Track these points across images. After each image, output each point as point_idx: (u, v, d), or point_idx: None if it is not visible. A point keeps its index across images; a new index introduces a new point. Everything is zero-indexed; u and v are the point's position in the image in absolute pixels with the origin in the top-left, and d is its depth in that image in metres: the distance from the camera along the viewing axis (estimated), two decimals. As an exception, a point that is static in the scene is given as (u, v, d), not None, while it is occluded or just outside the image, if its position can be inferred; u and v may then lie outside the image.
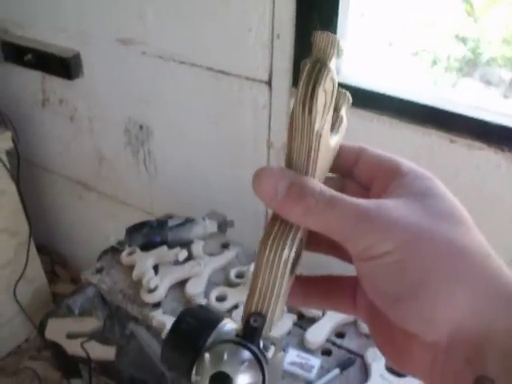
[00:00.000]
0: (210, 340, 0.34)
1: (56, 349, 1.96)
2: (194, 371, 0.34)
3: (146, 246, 1.30)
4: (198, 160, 1.66)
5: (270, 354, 0.34)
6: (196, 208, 1.51)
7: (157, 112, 1.68)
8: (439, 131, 1.20)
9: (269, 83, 1.39)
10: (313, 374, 1.16)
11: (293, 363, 1.19)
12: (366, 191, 0.36)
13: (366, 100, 1.28)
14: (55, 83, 1.89)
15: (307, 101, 0.29)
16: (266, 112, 1.43)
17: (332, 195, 0.31)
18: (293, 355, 1.20)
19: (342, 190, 0.36)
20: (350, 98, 0.37)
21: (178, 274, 1.27)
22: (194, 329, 0.35)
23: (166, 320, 1.18)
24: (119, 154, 1.87)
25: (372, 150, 0.37)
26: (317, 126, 0.30)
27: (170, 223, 1.32)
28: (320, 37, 0.30)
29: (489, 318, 0.28)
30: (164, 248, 1.30)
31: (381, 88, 1.26)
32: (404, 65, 1.49)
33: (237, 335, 0.34)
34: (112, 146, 1.89)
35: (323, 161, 0.33)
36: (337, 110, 0.35)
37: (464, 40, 1.44)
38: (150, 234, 1.30)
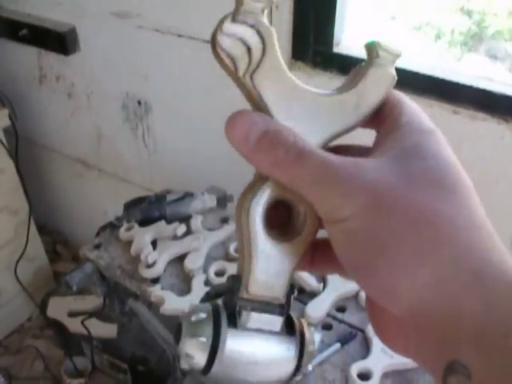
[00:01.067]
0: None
1: (58, 327, 1.97)
2: None
3: (145, 221, 1.29)
4: (198, 135, 1.64)
5: (248, 323, 0.32)
6: (196, 183, 1.48)
7: (155, 87, 1.66)
8: (441, 102, 1.18)
9: (268, 55, 1.36)
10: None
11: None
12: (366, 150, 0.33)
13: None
14: (52, 59, 1.87)
15: (213, 45, 0.30)
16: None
17: (303, 148, 0.29)
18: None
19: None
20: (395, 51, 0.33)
21: (176, 248, 1.25)
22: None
23: (164, 295, 1.17)
24: (118, 131, 1.85)
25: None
26: (240, 73, 0.30)
27: (169, 198, 1.30)
28: None
29: (458, 297, 0.25)
30: (162, 223, 1.28)
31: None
32: (406, 39, 1.46)
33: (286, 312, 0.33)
34: (110, 123, 1.87)
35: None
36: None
37: (469, 13, 1.41)
38: (149, 208, 1.28)
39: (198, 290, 1.17)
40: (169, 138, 1.74)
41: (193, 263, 1.22)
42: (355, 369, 1.04)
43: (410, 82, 1.21)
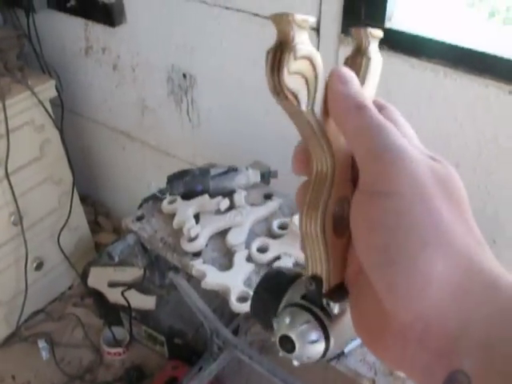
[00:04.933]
0: (286, 296, 0.37)
1: (98, 297, 2.00)
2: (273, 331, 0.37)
3: (188, 195, 1.28)
4: (242, 109, 1.62)
5: (335, 310, 0.34)
6: (239, 159, 1.47)
7: (200, 60, 1.64)
8: (497, 81, 1.14)
9: (317, 29, 1.33)
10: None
11: (334, 318, 1.16)
12: None
13: (418, 47, 1.21)
14: (98, 31, 1.87)
15: (278, 89, 0.30)
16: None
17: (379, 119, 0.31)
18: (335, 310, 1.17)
19: None
20: (378, 32, 0.35)
21: (219, 223, 1.24)
22: (277, 284, 0.38)
23: (205, 269, 1.16)
24: (162, 104, 1.85)
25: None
26: (303, 107, 0.31)
27: (213, 172, 1.29)
28: (276, 19, 0.29)
29: (470, 311, 0.26)
30: (205, 197, 1.27)
31: (435, 35, 1.19)
32: (459, 16, 1.40)
33: (302, 297, 0.36)
34: (155, 96, 1.86)
35: None
36: (361, 51, 0.35)
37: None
38: (192, 182, 1.27)
39: (240, 265, 1.16)
40: (213, 111, 1.73)
41: (235, 238, 1.21)
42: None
43: (465, 59, 1.17)
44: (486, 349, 0.25)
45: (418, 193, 0.28)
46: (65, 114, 1.98)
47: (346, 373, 1.09)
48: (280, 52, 0.29)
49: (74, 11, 1.83)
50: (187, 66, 1.69)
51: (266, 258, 1.17)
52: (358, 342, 1.11)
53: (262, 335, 1.82)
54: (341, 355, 1.09)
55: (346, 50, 1.29)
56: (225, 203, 1.26)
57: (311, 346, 0.35)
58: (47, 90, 1.88)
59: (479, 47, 1.15)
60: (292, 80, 0.30)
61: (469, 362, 0.25)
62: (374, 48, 0.35)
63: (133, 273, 1.94)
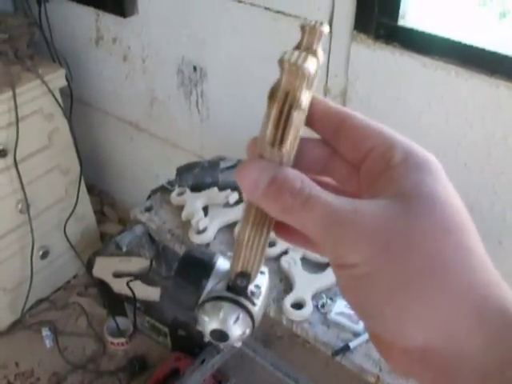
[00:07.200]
0: (208, 284, 0.39)
1: (103, 286, 2.01)
2: (197, 321, 0.39)
3: (197, 187, 1.28)
4: (252, 103, 1.62)
5: (259, 299, 0.38)
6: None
7: (211, 53, 1.64)
8: (508, 82, 1.14)
9: (329, 25, 1.33)
10: (360, 326, 1.14)
11: (340, 313, 1.17)
12: (352, 168, 0.32)
13: (430, 46, 1.21)
14: (109, 21, 1.87)
15: (278, 140, 0.29)
16: (324, 55, 1.37)
17: (310, 195, 0.29)
18: (341, 306, 1.18)
19: (325, 164, 0.33)
20: (324, 29, 0.31)
21: (227, 216, 1.25)
22: (197, 269, 0.40)
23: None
24: (171, 96, 1.85)
25: (358, 120, 0.32)
26: (285, 157, 0.30)
27: (222, 165, 1.29)
28: (288, 67, 0.28)
29: (463, 338, 0.27)
30: (214, 190, 1.28)
31: (446, 33, 1.19)
32: (470, 15, 1.40)
33: (228, 288, 0.38)
34: (164, 87, 1.86)
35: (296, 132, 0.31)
36: (311, 52, 0.31)
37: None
38: (201, 174, 1.28)
39: (248, 258, 1.16)
40: (222, 104, 1.73)
41: (243, 232, 1.21)
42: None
43: (476, 59, 1.17)
44: (479, 371, 0.27)
45: (370, 256, 0.28)
46: (74, 103, 1.99)
47: (351, 368, 1.09)
48: (288, 108, 0.29)
49: (86, 1, 1.84)
50: (198, 59, 1.69)
51: (273, 251, 1.18)
52: (363, 337, 1.12)
53: (266, 329, 1.83)
54: (346, 350, 1.10)
55: (359, 47, 1.30)
56: (234, 196, 1.26)
57: (242, 335, 0.39)
58: (57, 78, 1.89)
59: (491, 47, 1.15)
60: (293, 133, 0.29)
61: None
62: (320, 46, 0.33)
63: (138, 263, 1.95)
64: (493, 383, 0.26)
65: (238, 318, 0.38)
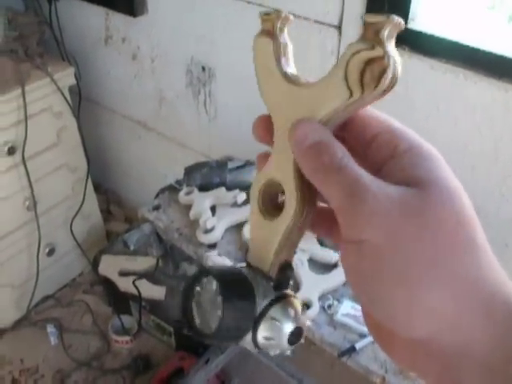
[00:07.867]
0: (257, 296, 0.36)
1: (108, 285, 2.01)
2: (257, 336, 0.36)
3: (205, 187, 1.29)
4: (260, 103, 1.62)
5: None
6: (255, 153, 1.47)
7: (220, 53, 1.65)
8: (519, 86, 1.14)
9: (339, 28, 1.33)
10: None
11: (346, 315, 1.17)
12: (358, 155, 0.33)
13: (438, 49, 1.21)
14: (119, 20, 1.88)
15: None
16: (333, 58, 1.37)
17: (346, 165, 0.30)
18: (347, 307, 1.18)
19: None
20: (289, 17, 0.36)
21: (235, 216, 1.25)
22: (241, 289, 0.36)
23: (220, 261, 1.17)
24: (180, 95, 1.86)
25: (364, 109, 0.33)
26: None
27: (230, 165, 1.30)
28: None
29: (472, 330, 0.28)
30: (222, 189, 1.28)
31: (455, 36, 1.19)
32: (479, 19, 1.40)
33: (275, 287, 0.36)
34: (173, 87, 1.87)
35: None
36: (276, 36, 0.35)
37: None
38: (209, 174, 1.28)
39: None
40: (230, 105, 1.73)
41: (251, 232, 1.22)
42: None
43: (485, 62, 1.17)
44: (484, 365, 0.27)
45: (385, 236, 0.28)
46: (82, 101, 2.00)
47: (357, 369, 1.10)
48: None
49: (96, 0, 1.84)
50: (207, 59, 1.69)
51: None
52: (369, 339, 1.12)
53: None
54: (352, 351, 1.10)
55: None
56: (242, 196, 1.27)
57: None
58: (66, 77, 1.90)
59: (499, 50, 1.15)
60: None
61: (469, 377, 0.28)
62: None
63: (144, 262, 1.95)
64: (497, 378, 0.27)
65: (302, 309, 0.37)
